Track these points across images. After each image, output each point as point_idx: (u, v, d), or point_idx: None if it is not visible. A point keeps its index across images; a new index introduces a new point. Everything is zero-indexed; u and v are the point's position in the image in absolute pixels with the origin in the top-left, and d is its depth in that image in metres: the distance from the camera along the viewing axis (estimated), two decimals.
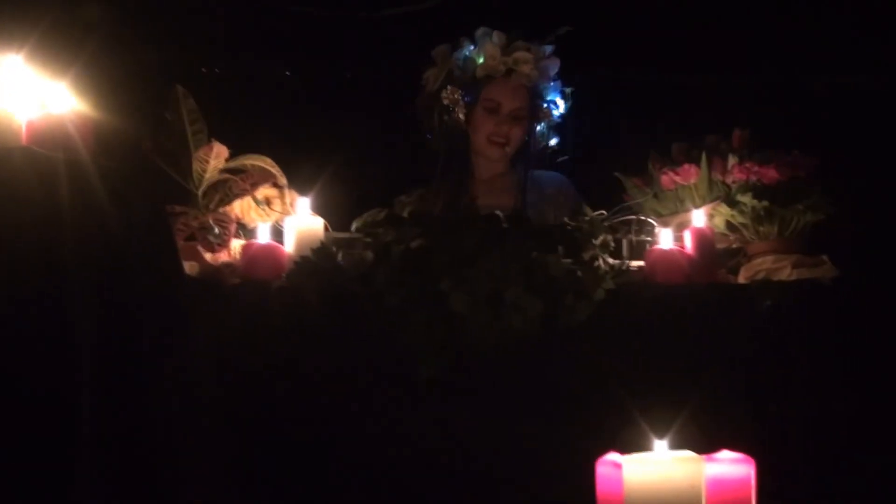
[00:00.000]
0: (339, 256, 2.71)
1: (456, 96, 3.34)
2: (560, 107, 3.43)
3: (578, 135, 3.62)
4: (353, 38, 3.62)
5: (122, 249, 2.28)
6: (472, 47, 3.34)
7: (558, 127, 3.46)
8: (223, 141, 2.82)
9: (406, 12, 3.56)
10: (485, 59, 3.30)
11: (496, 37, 3.32)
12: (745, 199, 2.83)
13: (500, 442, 2.59)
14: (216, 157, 2.79)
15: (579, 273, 2.64)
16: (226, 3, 3.24)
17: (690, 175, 2.89)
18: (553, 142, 3.46)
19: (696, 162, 2.91)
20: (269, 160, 2.85)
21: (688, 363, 2.64)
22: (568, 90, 3.43)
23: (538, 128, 3.41)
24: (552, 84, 3.39)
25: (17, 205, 2.18)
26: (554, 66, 3.35)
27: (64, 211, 2.20)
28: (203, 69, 3.10)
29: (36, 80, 2.36)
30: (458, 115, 3.34)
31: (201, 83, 2.90)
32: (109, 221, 2.24)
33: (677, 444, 2.14)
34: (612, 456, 2.13)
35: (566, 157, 3.50)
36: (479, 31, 3.34)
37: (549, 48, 3.36)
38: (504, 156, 3.38)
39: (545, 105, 3.38)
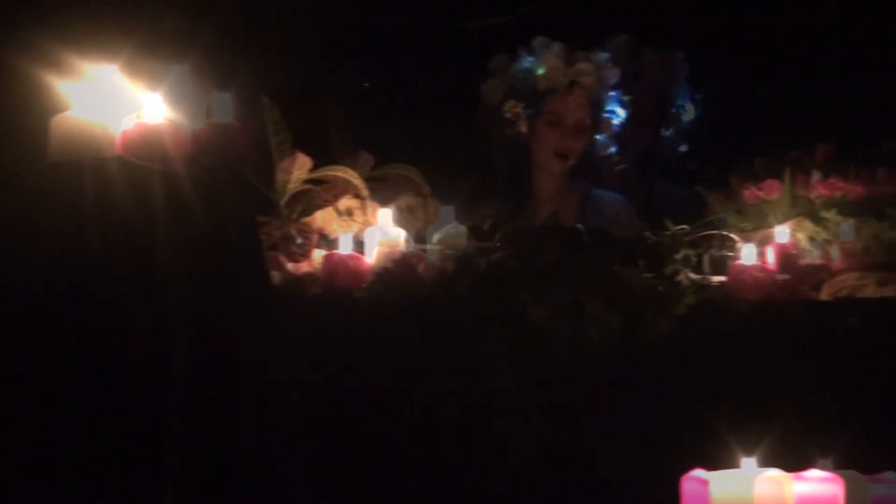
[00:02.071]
0: (420, 268, 2.72)
1: (518, 110, 3.32)
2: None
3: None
4: (434, 48, 3.63)
5: (214, 260, 2.31)
6: (531, 59, 3.32)
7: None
8: (306, 152, 2.84)
9: (488, 24, 3.57)
10: (547, 72, 3.28)
11: (556, 48, 3.30)
12: (830, 214, 2.81)
13: (579, 456, 2.59)
14: (299, 168, 2.81)
15: (660, 288, 2.63)
16: (312, 13, 3.28)
17: (773, 190, 2.87)
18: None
19: (779, 177, 2.89)
20: (351, 171, 2.86)
21: (770, 380, 2.62)
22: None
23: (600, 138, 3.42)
24: (613, 93, 3.38)
25: (112, 215, 2.21)
26: (613, 76, 3.33)
27: (158, 221, 2.23)
28: (291, 79, 3.13)
29: (131, 90, 2.39)
30: (520, 129, 3.33)
31: (285, 93, 2.92)
32: (202, 232, 2.27)
33: (768, 462, 2.13)
34: (699, 472, 2.12)
35: (623, 167, 3.50)
36: (537, 41, 3.32)
37: (605, 55, 3.36)
38: (565, 170, 3.36)
39: (607, 115, 3.38)
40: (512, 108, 3.31)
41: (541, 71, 3.29)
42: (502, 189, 3.35)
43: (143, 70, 2.37)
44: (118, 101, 2.35)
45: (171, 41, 2.45)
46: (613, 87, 3.36)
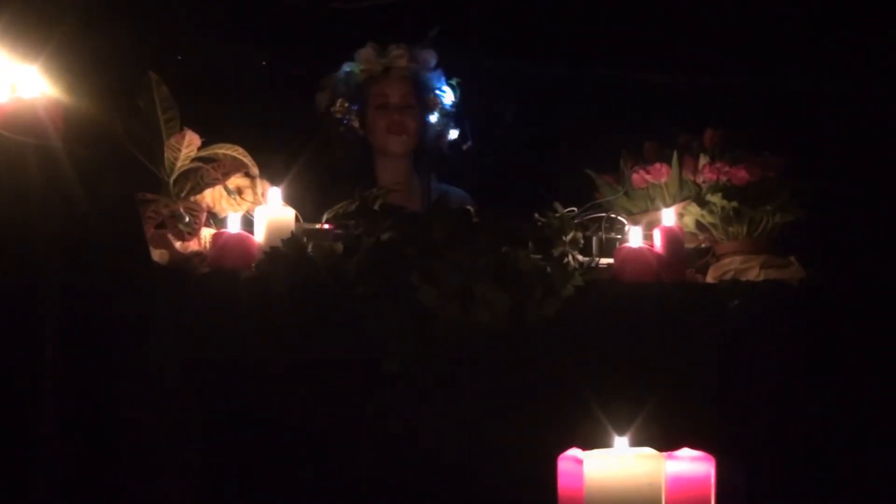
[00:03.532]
0: (310, 247, 2.71)
1: (345, 106, 3.46)
2: (448, 94, 3.55)
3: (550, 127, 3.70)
4: (329, 28, 3.65)
5: (90, 236, 2.27)
6: (349, 63, 3.49)
7: (455, 119, 3.56)
8: (197, 129, 2.81)
9: (379, 4, 3.60)
10: (363, 64, 3.46)
11: (369, 46, 3.47)
12: (715, 198, 2.85)
13: (465, 436, 2.60)
14: (188, 146, 2.78)
15: (548, 269, 2.65)
16: None
17: (661, 174, 2.91)
18: (453, 134, 3.56)
19: (668, 161, 2.92)
20: (241, 149, 2.84)
21: (654, 361, 2.65)
22: (454, 81, 3.54)
23: (433, 120, 3.50)
24: (436, 74, 3.50)
25: None
26: (431, 57, 3.48)
27: (32, 197, 2.19)
28: (178, 57, 3.09)
29: (5, 62, 2.34)
30: (352, 123, 3.46)
31: (176, 71, 2.88)
32: (78, 208, 2.24)
33: (640, 442, 2.16)
34: (574, 451, 2.15)
35: (469, 144, 3.58)
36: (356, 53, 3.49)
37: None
38: (405, 148, 3.46)
39: (432, 94, 3.50)
40: (340, 107, 3.45)
41: (356, 68, 3.47)
42: (349, 184, 3.38)
43: (19, 42, 2.32)
44: None
45: (50, 13, 2.39)
46: (434, 69, 3.50)
